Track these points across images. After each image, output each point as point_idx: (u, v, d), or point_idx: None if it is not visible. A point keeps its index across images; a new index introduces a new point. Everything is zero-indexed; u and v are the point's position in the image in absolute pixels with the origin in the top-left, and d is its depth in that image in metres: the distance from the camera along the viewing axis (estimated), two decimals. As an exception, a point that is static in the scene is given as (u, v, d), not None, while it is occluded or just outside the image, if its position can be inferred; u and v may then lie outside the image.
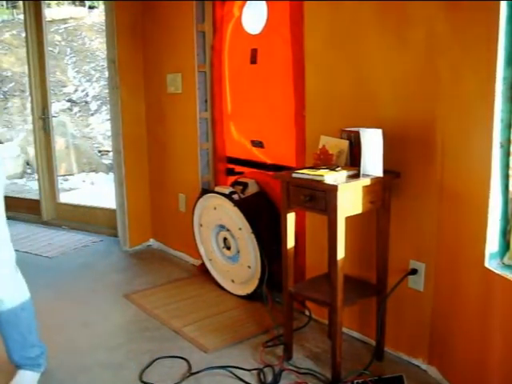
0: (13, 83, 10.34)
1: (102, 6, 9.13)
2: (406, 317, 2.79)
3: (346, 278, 2.55)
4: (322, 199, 2.47)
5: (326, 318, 3.12)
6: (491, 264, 2.21)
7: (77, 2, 10.75)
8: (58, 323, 3.40)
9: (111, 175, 7.30)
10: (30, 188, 8.01)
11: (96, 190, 7.79)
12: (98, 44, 10.39)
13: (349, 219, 2.49)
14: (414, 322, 2.75)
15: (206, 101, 4.07)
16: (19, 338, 2.66)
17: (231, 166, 4.05)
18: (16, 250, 2.59)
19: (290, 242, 2.75)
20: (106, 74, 4.77)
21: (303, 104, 3.18)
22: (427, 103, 2.54)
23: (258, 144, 3.73)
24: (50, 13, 8.90)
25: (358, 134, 2.53)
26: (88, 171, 8.96)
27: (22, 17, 6.05)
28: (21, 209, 6.05)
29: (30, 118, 6.36)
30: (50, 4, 9.40)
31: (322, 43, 3.01)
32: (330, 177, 2.45)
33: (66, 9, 10.73)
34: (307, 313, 3.29)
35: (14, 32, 10.55)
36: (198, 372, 2.78)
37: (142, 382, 2.73)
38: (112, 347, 3.10)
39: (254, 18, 3.59)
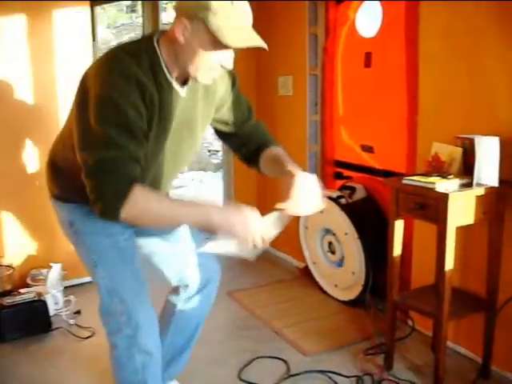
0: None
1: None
2: (516, 335, 2.66)
3: (453, 290, 2.48)
4: (433, 207, 2.40)
5: (429, 330, 3.01)
6: None
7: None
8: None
9: (219, 174, 7.42)
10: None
11: (204, 188, 7.96)
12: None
13: (459, 229, 2.41)
14: (525, 341, 2.62)
15: (316, 104, 4.06)
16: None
17: (339, 169, 4.02)
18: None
19: (397, 250, 2.69)
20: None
21: (416, 109, 3.10)
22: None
23: (367, 149, 3.68)
24: (166, 16, 9.20)
25: (472, 141, 2.44)
26: (197, 169, 9.18)
27: (140, 20, 6.27)
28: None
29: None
30: (166, 8, 9.73)
31: (438, 46, 2.92)
32: (441, 185, 2.38)
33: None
34: (410, 323, 3.20)
35: (133, 35, 11.01)
36: (296, 374, 2.78)
37: (241, 379, 2.76)
38: (213, 343, 3.16)
39: (368, 21, 3.55)
